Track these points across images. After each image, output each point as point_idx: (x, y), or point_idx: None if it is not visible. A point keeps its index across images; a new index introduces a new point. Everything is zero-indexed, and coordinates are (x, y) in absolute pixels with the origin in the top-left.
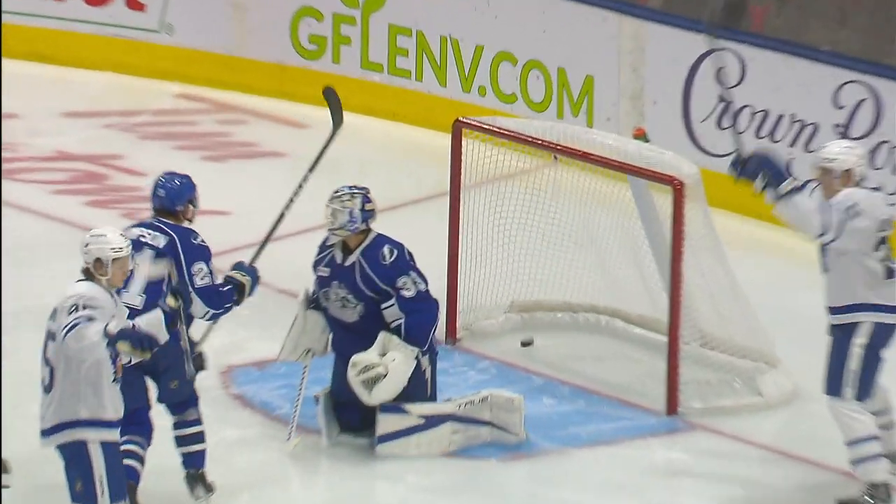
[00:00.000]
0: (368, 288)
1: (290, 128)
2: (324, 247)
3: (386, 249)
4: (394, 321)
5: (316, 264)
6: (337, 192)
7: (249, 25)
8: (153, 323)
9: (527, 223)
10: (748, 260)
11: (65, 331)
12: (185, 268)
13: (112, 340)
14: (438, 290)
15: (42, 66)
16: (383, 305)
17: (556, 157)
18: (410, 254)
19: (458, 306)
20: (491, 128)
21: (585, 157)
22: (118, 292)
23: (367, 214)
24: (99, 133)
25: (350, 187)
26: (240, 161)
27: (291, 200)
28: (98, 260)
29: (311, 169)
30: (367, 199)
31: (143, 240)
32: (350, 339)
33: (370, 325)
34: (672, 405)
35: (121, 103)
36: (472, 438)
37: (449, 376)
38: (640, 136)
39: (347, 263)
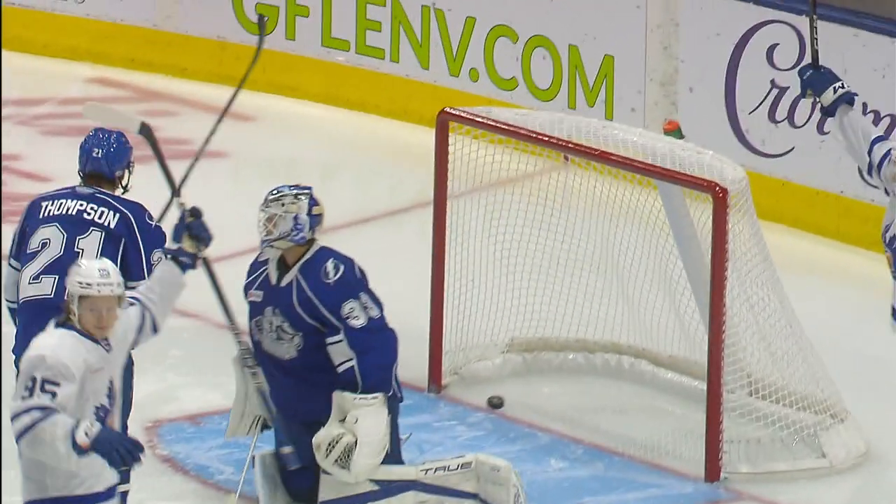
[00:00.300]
0: (308, 314)
1: (231, 120)
2: (256, 265)
3: (330, 265)
4: (342, 363)
5: (246, 288)
6: (276, 193)
7: None
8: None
9: (530, 241)
10: (808, 287)
11: (16, 432)
12: (143, 255)
13: (83, 452)
14: (420, 324)
15: None
16: (328, 341)
17: (566, 158)
18: (362, 271)
19: (444, 344)
20: (485, 121)
21: (604, 157)
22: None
23: (315, 220)
24: None
25: (291, 187)
26: (169, 162)
27: (201, 151)
28: (69, 296)
29: (225, 112)
30: (314, 201)
31: (87, 217)
32: (288, 384)
33: (312, 364)
34: (713, 470)
35: (18, 90)
36: None
37: (432, 432)
38: (673, 130)
39: (283, 283)
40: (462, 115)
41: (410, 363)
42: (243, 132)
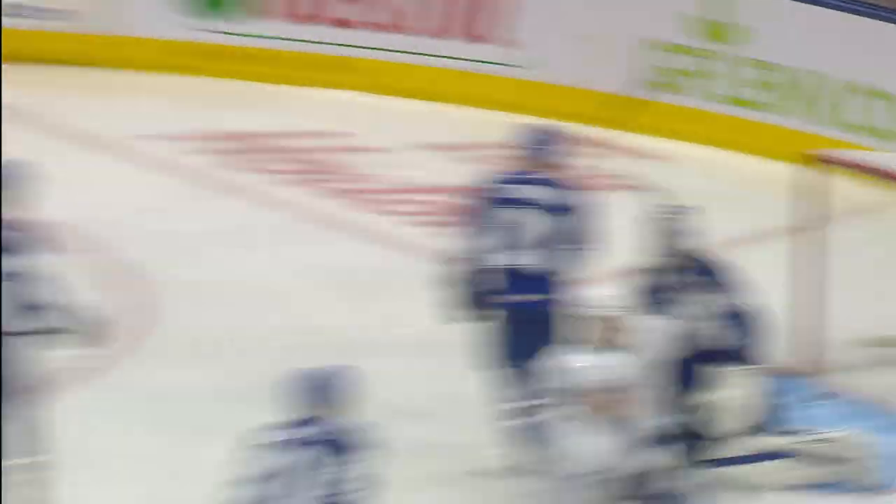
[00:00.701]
0: (710, 300)
1: (650, 161)
2: (649, 271)
3: (711, 261)
4: (725, 338)
5: (646, 292)
6: (672, 209)
7: (599, 56)
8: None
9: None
10: None
11: None
12: (588, 229)
13: None
14: (791, 317)
15: (401, 101)
16: (704, 325)
17: None
18: (736, 268)
19: (811, 337)
20: (852, 161)
21: None
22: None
23: (698, 228)
24: (456, 166)
25: (679, 205)
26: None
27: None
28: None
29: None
30: (695, 215)
31: (547, 200)
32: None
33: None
34: None
35: (486, 137)
36: (814, 478)
37: (801, 410)
38: None
39: (682, 279)
40: (830, 155)
41: (782, 350)
42: (658, 170)
